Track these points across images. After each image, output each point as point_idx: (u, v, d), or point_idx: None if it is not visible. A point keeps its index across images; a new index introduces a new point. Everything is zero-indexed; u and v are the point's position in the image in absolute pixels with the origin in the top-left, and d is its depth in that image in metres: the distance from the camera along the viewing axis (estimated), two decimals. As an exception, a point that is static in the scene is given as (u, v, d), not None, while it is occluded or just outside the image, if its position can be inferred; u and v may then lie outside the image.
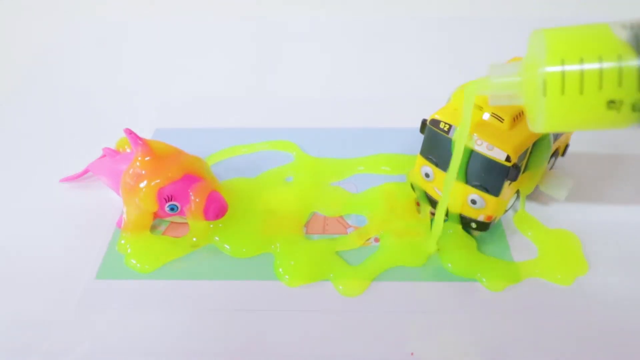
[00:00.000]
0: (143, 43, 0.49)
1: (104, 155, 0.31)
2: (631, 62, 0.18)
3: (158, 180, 0.27)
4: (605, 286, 0.27)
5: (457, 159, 0.25)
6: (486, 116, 0.26)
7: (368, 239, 0.30)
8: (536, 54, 0.19)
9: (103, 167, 0.30)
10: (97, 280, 0.27)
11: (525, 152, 0.26)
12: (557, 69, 0.18)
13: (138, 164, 0.27)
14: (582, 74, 0.18)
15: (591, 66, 0.18)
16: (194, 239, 0.29)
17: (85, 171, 0.33)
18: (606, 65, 0.18)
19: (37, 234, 0.30)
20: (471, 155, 0.26)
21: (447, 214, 0.29)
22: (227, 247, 0.29)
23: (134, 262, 0.28)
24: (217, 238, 0.29)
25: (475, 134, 0.26)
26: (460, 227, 0.29)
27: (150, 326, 0.25)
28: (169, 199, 0.28)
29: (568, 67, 0.18)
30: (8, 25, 0.52)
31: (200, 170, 0.29)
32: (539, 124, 0.20)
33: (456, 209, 0.28)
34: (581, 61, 0.18)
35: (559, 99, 0.19)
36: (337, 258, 0.28)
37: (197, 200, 0.28)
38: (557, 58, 0.18)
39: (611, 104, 0.18)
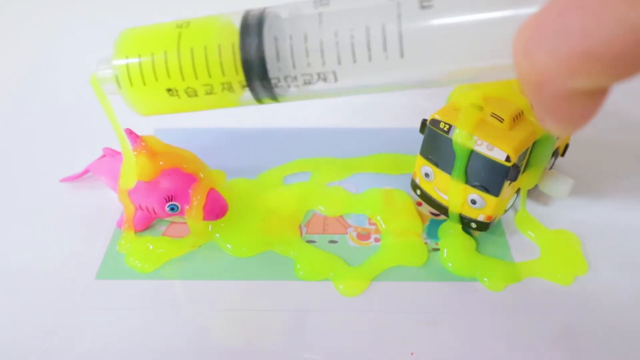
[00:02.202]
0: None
1: (104, 155, 0.31)
2: (178, 54, 0.21)
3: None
4: (605, 286, 0.27)
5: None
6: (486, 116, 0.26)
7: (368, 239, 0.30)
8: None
9: (103, 167, 0.30)
10: (97, 280, 0.27)
11: (525, 152, 0.26)
12: (122, 62, 0.21)
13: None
14: (140, 67, 0.21)
15: (145, 60, 0.21)
16: (194, 239, 0.29)
17: (85, 171, 0.33)
18: (156, 60, 0.21)
19: (36, 234, 0.30)
20: (471, 155, 0.26)
21: (447, 214, 0.29)
22: (229, 246, 0.29)
23: (133, 260, 0.28)
24: (217, 235, 0.29)
25: (475, 134, 0.26)
26: (460, 227, 0.29)
27: (150, 326, 0.25)
28: (169, 199, 0.28)
29: (130, 62, 0.21)
30: (8, 25, 0.52)
31: (201, 168, 0.29)
32: (134, 109, 0.23)
33: (456, 209, 0.28)
34: (138, 56, 0.21)
35: (131, 89, 0.21)
36: (337, 258, 0.28)
37: (197, 199, 0.28)
38: (122, 53, 0.21)
39: (169, 91, 0.21)
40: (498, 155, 0.25)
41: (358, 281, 0.27)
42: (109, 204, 0.31)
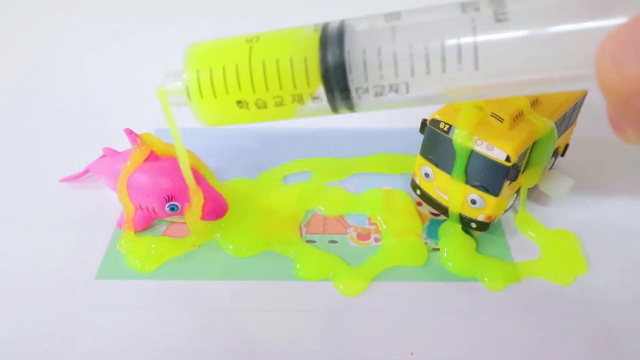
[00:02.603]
0: (143, 42, 0.49)
1: (104, 155, 0.31)
2: (250, 67, 0.21)
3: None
4: (605, 286, 0.27)
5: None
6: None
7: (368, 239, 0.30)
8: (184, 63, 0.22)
9: (103, 167, 0.30)
10: (97, 280, 0.27)
11: (525, 152, 0.26)
12: (194, 76, 0.21)
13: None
14: (211, 80, 0.21)
15: (217, 73, 0.21)
16: (193, 238, 0.29)
17: (85, 171, 0.33)
18: (228, 73, 0.21)
19: (36, 234, 0.30)
20: (471, 155, 0.26)
21: (447, 214, 0.29)
22: (230, 246, 0.29)
23: (133, 260, 0.28)
24: (218, 235, 0.29)
25: (475, 134, 0.26)
26: (460, 227, 0.29)
27: (150, 326, 0.25)
28: (169, 199, 0.28)
29: (202, 75, 0.21)
30: (8, 24, 0.52)
31: (200, 167, 0.29)
32: (200, 121, 0.23)
33: (456, 209, 0.28)
34: (210, 69, 0.21)
35: (202, 102, 0.22)
36: (337, 258, 0.28)
37: (197, 199, 0.28)
38: (193, 67, 0.22)
39: (239, 103, 0.21)
40: (498, 155, 0.25)
41: (358, 281, 0.27)
42: (109, 204, 0.31)
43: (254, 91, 0.21)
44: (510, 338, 0.25)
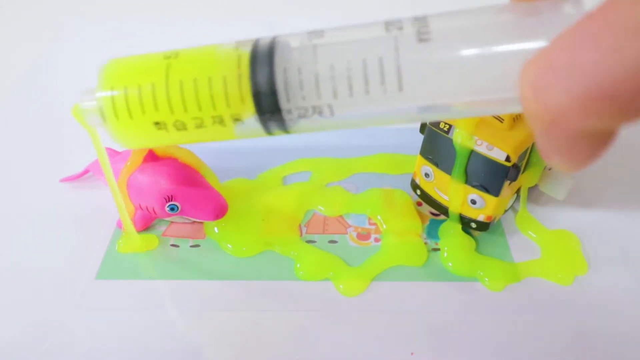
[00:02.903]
0: (143, 42, 0.49)
1: (104, 155, 0.31)
2: (166, 86, 0.20)
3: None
4: (605, 286, 0.27)
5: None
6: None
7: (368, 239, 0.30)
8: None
9: (103, 167, 0.30)
10: (97, 280, 0.27)
11: (525, 152, 0.26)
12: (107, 95, 0.20)
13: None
14: (126, 99, 0.20)
15: (131, 92, 0.20)
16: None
17: (85, 171, 0.33)
18: (143, 92, 0.20)
19: (36, 234, 0.30)
20: (471, 155, 0.26)
21: (447, 214, 0.29)
22: (229, 246, 0.29)
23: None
24: (216, 229, 0.29)
25: (475, 134, 0.26)
26: (460, 227, 0.29)
27: (150, 326, 0.25)
28: (169, 199, 0.28)
29: (115, 93, 0.20)
30: (7, 24, 0.52)
31: (200, 167, 0.29)
32: (119, 143, 0.22)
33: (456, 209, 0.28)
34: (124, 88, 0.20)
35: (117, 122, 0.20)
36: (337, 258, 0.28)
37: (197, 199, 0.28)
38: (107, 85, 0.20)
39: (157, 124, 0.20)
40: (498, 155, 0.25)
41: (358, 281, 0.27)
42: (109, 204, 0.31)
43: (171, 112, 0.20)
44: (510, 338, 0.25)
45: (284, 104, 0.19)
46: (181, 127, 0.20)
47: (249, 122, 0.20)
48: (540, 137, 0.16)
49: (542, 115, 0.15)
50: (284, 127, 0.20)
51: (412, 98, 0.18)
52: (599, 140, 0.15)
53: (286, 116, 0.19)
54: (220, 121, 0.20)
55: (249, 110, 0.20)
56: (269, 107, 0.19)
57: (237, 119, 0.20)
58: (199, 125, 0.20)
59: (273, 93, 0.19)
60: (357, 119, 0.19)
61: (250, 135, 0.21)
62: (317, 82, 0.18)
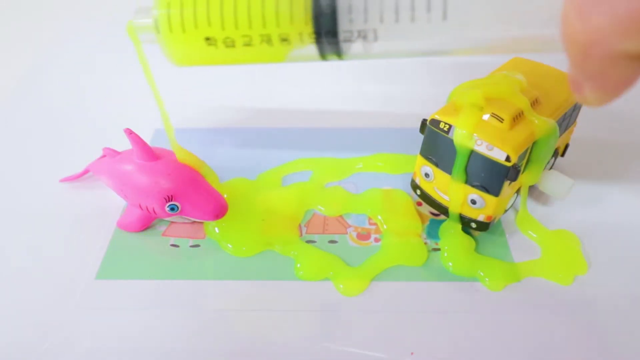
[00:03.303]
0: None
1: (104, 155, 0.31)
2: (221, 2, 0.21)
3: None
4: (605, 286, 0.27)
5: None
6: (486, 116, 0.26)
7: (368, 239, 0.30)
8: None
9: (103, 167, 0.30)
10: (97, 280, 0.27)
11: (525, 152, 0.26)
12: (164, 9, 0.21)
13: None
14: (182, 14, 0.21)
15: (187, 8, 0.21)
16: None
17: (85, 171, 0.33)
18: (198, 7, 0.21)
19: (36, 233, 0.30)
20: (471, 155, 0.26)
21: (447, 214, 0.29)
22: (229, 246, 0.29)
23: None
24: (216, 229, 0.29)
25: (475, 134, 0.26)
26: (460, 227, 0.29)
27: (150, 326, 0.25)
28: (169, 199, 0.28)
29: (172, 10, 0.21)
30: (7, 24, 0.52)
31: (201, 166, 0.29)
32: (169, 59, 0.23)
33: (456, 209, 0.28)
34: (181, 3, 0.21)
35: (170, 36, 0.22)
36: (337, 258, 0.28)
37: (197, 199, 0.28)
38: (164, 1, 0.21)
39: (207, 40, 0.21)
40: (498, 155, 0.25)
41: (358, 281, 0.27)
42: (109, 204, 0.31)
43: (222, 28, 0.21)
44: (510, 338, 0.25)
45: (340, 25, 0.20)
46: (230, 44, 0.21)
47: (296, 44, 0.21)
48: (575, 63, 0.16)
49: (581, 36, 0.15)
50: (336, 50, 0.21)
51: (455, 28, 0.19)
52: (635, 65, 0.16)
53: (333, 38, 0.20)
54: (268, 40, 0.21)
55: (297, 31, 0.20)
56: (324, 26, 0.20)
57: (284, 39, 0.21)
58: (247, 44, 0.21)
59: (328, 12, 0.20)
60: (398, 47, 0.20)
61: (298, 58, 0.22)
62: (365, 5, 0.19)
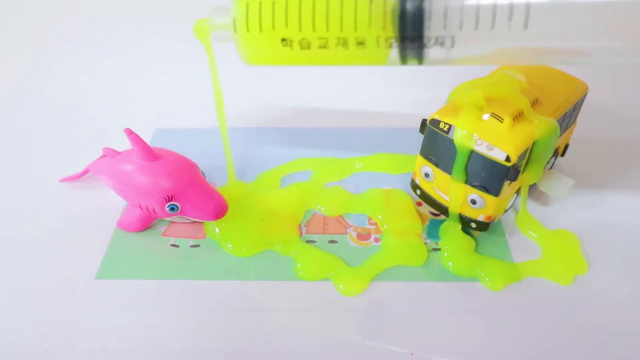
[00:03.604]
0: (143, 43, 0.49)
1: (104, 155, 0.31)
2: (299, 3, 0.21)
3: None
4: (605, 286, 0.27)
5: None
6: (486, 116, 0.26)
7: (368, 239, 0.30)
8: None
9: (103, 167, 0.30)
10: (97, 280, 0.27)
11: (525, 152, 0.26)
12: (243, 8, 0.22)
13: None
14: (260, 14, 0.21)
15: (266, 8, 0.21)
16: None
17: (85, 171, 0.33)
18: (277, 7, 0.21)
19: (36, 233, 0.30)
20: (471, 155, 0.26)
21: (447, 214, 0.29)
22: (229, 246, 0.29)
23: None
24: (217, 229, 0.29)
25: (475, 134, 0.26)
26: (460, 227, 0.29)
27: (150, 326, 0.25)
28: (169, 199, 0.28)
29: (251, 8, 0.22)
30: (7, 24, 0.52)
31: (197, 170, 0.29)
32: (242, 57, 0.23)
33: (456, 209, 0.28)
34: (259, 3, 0.22)
35: (246, 36, 0.22)
36: (337, 258, 0.28)
37: (197, 199, 0.28)
38: (244, 0, 0.22)
39: (284, 41, 0.22)
40: (498, 155, 0.25)
41: (358, 281, 0.27)
42: (109, 204, 0.31)
43: (299, 29, 0.21)
44: (511, 338, 0.25)
45: (423, 30, 0.20)
46: (306, 45, 0.22)
47: (372, 48, 0.21)
48: None
49: None
50: (417, 54, 0.21)
51: (536, 38, 0.18)
52: None
53: (413, 43, 0.20)
54: (344, 43, 0.21)
55: (374, 35, 0.20)
56: (406, 31, 0.20)
57: (360, 43, 0.21)
58: (323, 46, 0.21)
59: (411, 17, 0.20)
60: (475, 54, 0.20)
61: (371, 61, 0.22)
62: (445, 12, 0.19)
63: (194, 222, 0.30)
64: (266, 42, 0.22)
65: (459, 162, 0.26)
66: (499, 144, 0.25)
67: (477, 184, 0.27)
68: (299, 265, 0.28)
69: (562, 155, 0.33)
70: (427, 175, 0.29)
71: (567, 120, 0.30)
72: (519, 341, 0.25)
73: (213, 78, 0.27)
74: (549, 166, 0.32)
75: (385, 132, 0.37)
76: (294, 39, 0.21)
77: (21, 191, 0.33)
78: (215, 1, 0.25)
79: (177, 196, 0.28)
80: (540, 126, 0.26)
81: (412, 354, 0.24)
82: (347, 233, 0.30)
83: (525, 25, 0.18)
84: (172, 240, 0.30)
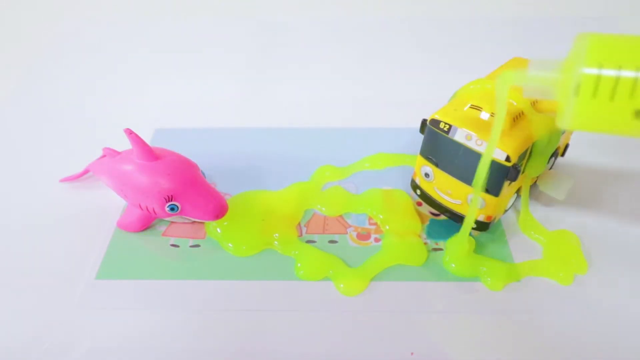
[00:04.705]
0: (143, 43, 0.49)
1: (104, 155, 0.31)
2: None
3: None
4: (605, 286, 0.27)
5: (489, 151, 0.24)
6: (486, 116, 0.26)
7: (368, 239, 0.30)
8: (577, 55, 0.19)
9: (103, 167, 0.30)
10: (97, 280, 0.27)
11: (525, 152, 0.26)
12: (594, 72, 0.19)
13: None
14: (617, 80, 0.18)
15: (627, 74, 0.18)
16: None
17: (85, 171, 0.33)
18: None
19: (37, 233, 0.30)
20: (471, 155, 0.26)
21: (446, 214, 0.29)
22: (230, 245, 0.29)
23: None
24: (218, 230, 0.29)
25: (475, 134, 0.26)
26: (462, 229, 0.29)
27: (150, 326, 0.25)
28: (169, 199, 0.28)
29: (605, 72, 0.19)
30: (8, 24, 0.52)
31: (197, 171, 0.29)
32: (566, 121, 0.20)
33: (472, 221, 0.28)
34: (619, 68, 0.18)
35: (589, 102, 0.19)
36: (337, 258, 0.28)
37: (197, 199, 0.28)
38: (595, 62, 0.19)
39: (637, 113, 0.19)
40: (498, 155, 0.25)
41: (358, 281, 0.27)
42: (109, 204, 0.31)
43: None
44: (511, 338, 0.25)
45: None
46: None
47: None
48: None
49: None
50: None
51: None
52: None
53: None
54: None
55: None
56: None
57: None
58: None
59: None
60: None
61: None
62: None
63: (194, 222, 0.30)
64: (614, 112, 0.19)
65: (480, 172, 0.25)
66: (499, 144, 0.25)
67: (477, 184, 0.27)
68: (299, 265, 0.28)
69: (562, 155, 0.33)
70: (427, 175, 0.29)
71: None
72: (519, 341, 0.25)
73: (498, 120, 0.23)
74: (549, 166, 0.32)
75: (385, 132, 0.37)
76: None
77: (21, 191, 0.33)
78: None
79: (177, 196, 0.28)
80: (540, 126, 0.26)
81: (412, 353, 0.24)
82: (347, 233, 0.30)
83: None
84: (172, 240, 0.30)
